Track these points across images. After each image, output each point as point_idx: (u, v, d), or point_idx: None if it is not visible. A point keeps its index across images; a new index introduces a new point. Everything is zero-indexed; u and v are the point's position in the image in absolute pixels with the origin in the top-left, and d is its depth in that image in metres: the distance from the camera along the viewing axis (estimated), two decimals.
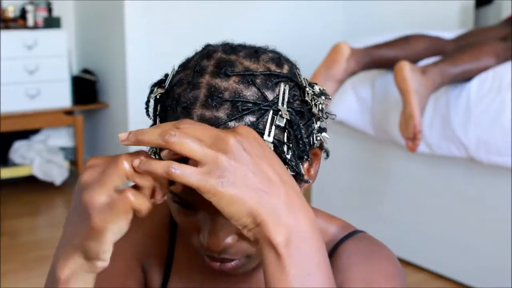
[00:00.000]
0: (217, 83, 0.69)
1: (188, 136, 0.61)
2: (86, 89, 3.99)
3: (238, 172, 0.62)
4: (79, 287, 0.66)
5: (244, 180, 0.62)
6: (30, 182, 3.93)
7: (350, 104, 2.82)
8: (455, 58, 2.41)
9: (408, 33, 2.68)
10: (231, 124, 0.68)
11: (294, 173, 0.71)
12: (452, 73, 2.37)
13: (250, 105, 0.69)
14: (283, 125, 0.70)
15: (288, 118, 0.70)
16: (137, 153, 0.64)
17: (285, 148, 0.70)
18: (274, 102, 0.70)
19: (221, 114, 0.68)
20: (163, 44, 3.82)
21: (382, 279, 0.77)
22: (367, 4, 4.23)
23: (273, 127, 0.69)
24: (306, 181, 0.75)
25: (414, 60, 2.51)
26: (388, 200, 2.82)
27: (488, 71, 2.40)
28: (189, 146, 0.61)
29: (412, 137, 2.35)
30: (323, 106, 0.76)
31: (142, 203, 0.63)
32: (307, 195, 3.09)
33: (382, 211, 2.84)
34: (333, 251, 0.81)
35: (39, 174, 3.80)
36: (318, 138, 0.77)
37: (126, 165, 0.63)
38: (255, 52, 0.73)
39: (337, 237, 0.83)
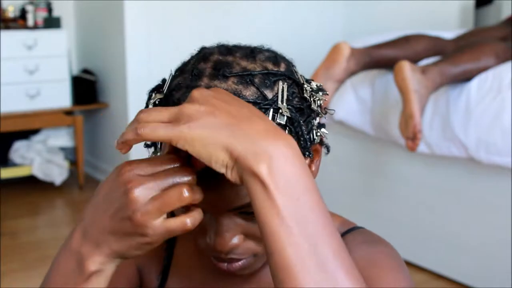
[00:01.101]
0: (216, 85, 0.70)
1: (150, 121, 0.62)
2: (86, 89, 3.99)
3: (205, 114, 0.61)
4: (104, 280, 0.67)
5: (212, 119, 0.61)
6: (30, 182, 3.93)
7: (350, 104, 2.82)
8: (455, 58, 2.41)
9: (408, 33, 2.68)
10: None
11: None
12: (452, 73, 2.37)
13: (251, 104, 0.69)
14: (284, 123, 0.70)
15: (289, 116, 0.70)
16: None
17: None
18: (274, 101, 0.70)
19: None
20: (163, 44, 3.82)
21: (383, 257, 0.77)
22: (367, 4, 4.23)
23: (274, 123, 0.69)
24: None
25: (414, 60, 2.50)
26: (388, 200, 2.82)
27: (488, 71, 2.40)
28: (154, 127, 0.62)
29: (412, 137, 2.35)
30: (322, 102, 0.77)
31: (197, 220, 0.65)
32: None
33: (382, 211, 2.84)
34: None
35: (39, 174, 3.80)
36: (318, 134, 0.77)
37: (187, 194, 0.63)
38: (251, 52, 0.74)
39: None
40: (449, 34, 2.83)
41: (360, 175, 2.95)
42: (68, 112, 3.90)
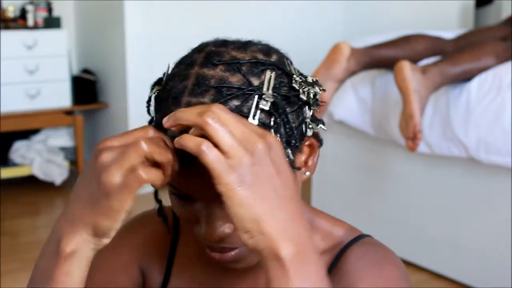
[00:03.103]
0: (205, 72, 0.71)
1: (224, 124, 0.63)
2: (86, 89, 3.99)
3: (257, 177, 0.63)
4: (80, 263, 0.69)
5: (260, 187, 0.63)
6: (30, 182, 3.93)
7: (350, 104, 2.82)
8: (455, 58, 2.41)
9: (408, 33, 2.68)
10: None
11: None
12: (452, 73, 2.37)
13: (235, 90, 0.70)
14: (268, 109, 0.70)
15: (272, 101, 0.70)
16: (154, 138, 0.68)
17: (272, 132, 0.71)
18: (259, 87, 0.71)
19: (206, 99, 0.70)
20: (163, 44, 3.82)
21: (389, 285, 0.77)
22: (367, 4, 4.23)
23: (258, 111, 0.70)
24: (298, 168, 0.75)
25: (414, 60, 2.50)
26: (388, 200, 2.82)
27: (488, 71, 2.40)
28: (222, 133, 0.63)
29: (412, 137, 2.35)
30: (315, 95, 0.76)
31: (155, 176, 0.66)
32: (307, 195, 3.08)
33: (382, 211, 2.84)
34: (340, 254, 0.81)
35: (39, 174, 3.80)
36: (311, 127, 0.77)
37: (144, 146, 0.65)
38: (244, 44, 0.76)
39: (343, 240, 0.82)
40: (449, 34, 2.83)
41: (360, 175, 2.95)
42: (68, 112, 3.90)
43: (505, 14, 3.44)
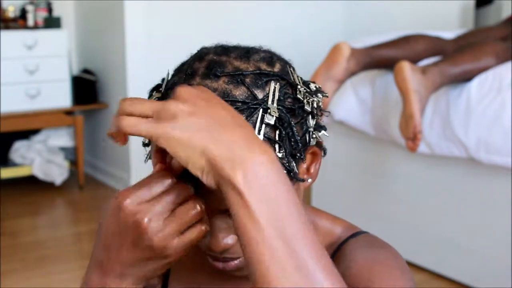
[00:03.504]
0: (207, 85, 0.70)
1: (133, 113, 0.63)
2: (86, 89, 3.99)
3: (186, 114, 0.62)
4: None
5: (195, 122, 0.62)
6: (30, 182, 3.93)
7: (350, 104, 2.82)
8: (455, 58, 2.41)
9: (408, 33, 2.68)
10: None
11: (286, 171, 0.71)
12: (452, 73, 2.37)
13: (239, 104, 0.69)
14: (273, 123, 0.69)
15: (278, 116, 0.70)
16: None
17: (276, 147, 0.70)
18: (264, 101, 0.70)
19: None
20: (163, 44, 3.82)
21: (385, 260, 0.77)
22: (367, 4, 4.23)
23: (263, 125, 0.69)
24: (301, 180, 0.75)
25: (414, 60, 2.50)
26: (388, 200, 2.82)
27: (488, 71, 2.40)
28: (136, 123, 0.63)
29: (412, 137, 2.35)
30: (318, 103, 0.76)
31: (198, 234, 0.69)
32: (307, 195, 3.09)
33: (382, 211, 2.84)
34: (337, 250, 0.81)
35: (39, 174, 3.80)
36: (314, 136, 0.76)
37: (198, 206, 0.68)
38: (246, 52, 0.74)
39: (341, 237, 0.83)
40: (449, 34, 2.83)
41: (360, 175, 2.95)
42: (68, 112, 3.90)
43: (505, 14, 3.44)
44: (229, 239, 0.73)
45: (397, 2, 4.04)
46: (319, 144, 0.78)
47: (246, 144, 0.61)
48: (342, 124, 2.89)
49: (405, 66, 2.32)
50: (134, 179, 3.81)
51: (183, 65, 0.75)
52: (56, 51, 3.82)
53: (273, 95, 0.70)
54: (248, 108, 0.69)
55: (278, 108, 0.70)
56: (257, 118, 0.69)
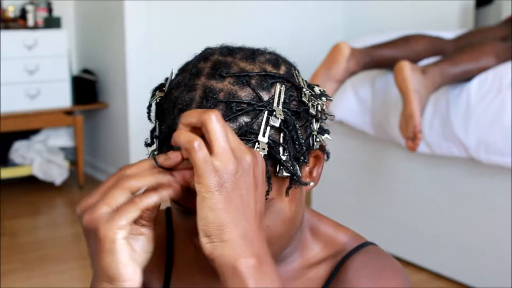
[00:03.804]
0: (212, 85, 0.70)
1: (223, 126, 0.63)
2: (86, 89, 3.99)
3: (236, 187, 0.63)
4: None
5: (236, 197, 0.63)
6: (30, 182, 3.93)
7: (350, 104, 2.82)
8: (455, 58, 2.41)
9: (408, 33, 2.68)
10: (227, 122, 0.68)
11: (289, 174, 0.71)
12: (452, 73, 2.37)
13: (245, 105, 0.69)
14: (278, 126, 0.70)
15: (283, 119, 0.70)
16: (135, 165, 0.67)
17: (280, 149, 0.70)
18: (269, 103, 0.70)
19: None
20: (163, 44, 3.82)
21: None
22: (367, 4, 4.23)
23: (268, 127, 0.69)
24: (304, 183, 0.75)
25: (414, 60, 2.50)
26: (388, 200, 2.82)
27: (488, 71, 2.40)
28: (219, 134, 0.63)
29: (412, 137, 2.35)
30: (323, 106, 0.76)
31: (147, 199, 0.65)
32: (308, 195, 3.08)
33: (382, 211, 2.84)
34: (341, 262, 0.80)
35: (39, 174, 3.80)
36: (318, 140, 0.76)
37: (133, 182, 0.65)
38: (252, 54, 0.73)
39: (347, 247, 0.81)
40: (449, 34, 2.83)
41: (360, 175, 2.95)
42: (68, 112, 3.90)
43: (505, 14, 3.44)
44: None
45: (397, 2, 4.04)
46: (322, 148, 0.77)
47: (259, 239, 0.65)
48: (342, 124, 2.89)
49: (405, 66, 2.32)
50: None
51: (187, 64, 0.75)
52: (56, 51, 3.82)
53: (279, 97, 0.70)
54: (254, 110, 0.69)
55: (283, 111, 0.70)
56: (262, 120, 0.69)
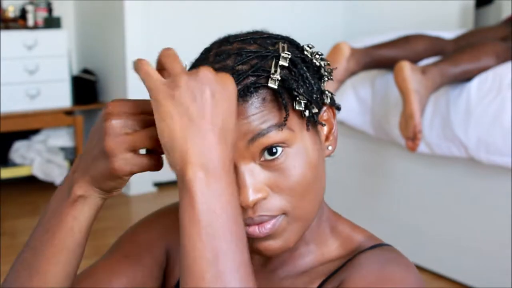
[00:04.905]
0: (222, 48, 0.75)
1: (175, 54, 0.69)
2: (86, 89, 3.99)
3: (191, 98, 0.65)
4: (89, 209, 0.74)
5: (189, 109, 0.64)
6: (30, 182, 3.93)
7: (350, 104, 2.82)
8: (455, 58, 2.41)
9: (408, 33, 2.68)
10: (239, 67, 0.72)
11: (305, 107, 0.74)
12: (452, 73, 2.37)
13: (252, 54, 0.73)
14: (287, 65, 0.73)
15: (290, 57, 0.73)
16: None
17: (293, 84, 0.73)
18: (275, 50, 0.75)
19: (229, 62, 0.73)
20: (163, 44, 3.78)
21: (381, 284, 0.74)
22: (367, 4, 4.23)
23: (278, 68, 0.72)
24: (323, 124, 0.78)
25: (414, 60, 2.50)
26: (388, 200, 2.82)
27: (488, 71, 2.40)
28: (172, 59, 0.68)
29: (412, 137, 2.35)
30: (325, 66, 0.80)
31: (148, 165, 0.71)
32: None
33: (382, 211, 2.84)
34: (352, 258, 0.80)
35: (39, 174, 3.80)
36: (327, 93, 0.80)
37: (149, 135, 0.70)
38: (255, 34, 0.79)
39: (362, 246, 0.81)
40: (449, 34, 2.83)
41: (360, 175, 2.95)
42: (68, 112, 3.90)
43: (505, 14, 3.44)
44: (260, 191, 0.73)
45: (397, 2, 4.04)
46: (332, 101, 0.81)
47: (212, 147, 0.65)
48: (342, 124, 2.89)
49: (405, 66, 2.32)
50: (134, 179, 3.82)
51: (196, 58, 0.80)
52: (56, 51, 3.82)
53: (283, 48, 0.75)
54: (261, 55, 0.73)
55: (289, 53, 0.74)
56: (271, 62, 0.73)
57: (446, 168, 2.58)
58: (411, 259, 2.78)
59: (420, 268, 2.68)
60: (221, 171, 0.65)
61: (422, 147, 2.51)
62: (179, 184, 0.65)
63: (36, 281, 0.76)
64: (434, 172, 2.63)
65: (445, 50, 2.62)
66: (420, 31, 2.77)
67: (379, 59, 2.57)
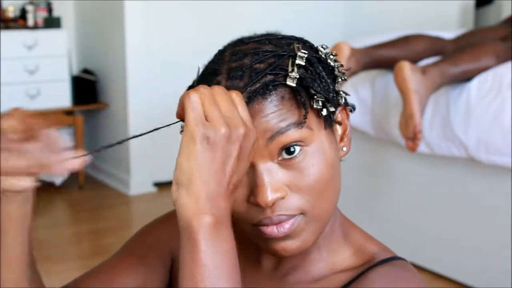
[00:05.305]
0: (237, 50, 0.75)
1: (214, 98, 0.67)
2: (86, 89, 3.99)
3: (219, 149, 0.65)
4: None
5: (216, 158, 0.65)
6: None
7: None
8: (455, 58, 2.41)
9: (408, 33, 2.68)
10: (256, 66, 0.72)
11: (322, 106, 0.74)
12: (452, 73, 2.37)
13: (268, 53, 0.73)
14: (304, 64, 0.73)
15: (306, 56, 0.74)
16: None
17: (310, 83, 0.73)
18: (291, 49, 0.75)
19: (246, 61, 0.73)
20: (163, 44, 3.82)
21: None
22: (367, 4, 4.23)
23: (295, 67, 0.73)
24: (339, 123, 0.78)
25: (414, 60, 2.50)
26: (388, 200, 2.82)
27: (488, 71, 2.40)
28: (210, 106, 0.66)
29: (412, 137, 2.35)
30: (339, 67, 0.79)
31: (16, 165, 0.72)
32: None
33: (382, 211, 2.84)
34: (365, 271, 0.78)
35: (39, 174, 3.79)
36: (342, 93, 0.79)
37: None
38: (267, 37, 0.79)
39: (375, 258, 0.79)
40: (449, 34, 2.83)
41: (360, 175, 2.95)
42: (68, 112, 3.90)
43: (505, 14, 3.44)
44: (279, 190, 0.72)
45: (397, 2, 4.04)
46: (346, 102, 0.80)
47: (223, 197, 0.66)
48: None
49: (405, 66, 2.32)
50: (134, 179, 3.82)
51: (209, 61, 0.79)
52: (56, 51, 3.82)
53: (298, 48, 0.75)
54: (277, 55, 0.73)
55: (305, 52, 0.74)
56: (288, 61, 0.73)
57: (446, 168, 2.58)
58: (411, 259, 2.78)
59: (420, 268, 2.68)
60: (228, 222, 0.67)
61: (422, 147, 2.51)
62: (182, 225, 0.66)
63: None
64: (434, 172, 2.63)
65: (445, 50, 2.62)
66: (420, 31, 2.77)
67: (379, 59, 2.57)
